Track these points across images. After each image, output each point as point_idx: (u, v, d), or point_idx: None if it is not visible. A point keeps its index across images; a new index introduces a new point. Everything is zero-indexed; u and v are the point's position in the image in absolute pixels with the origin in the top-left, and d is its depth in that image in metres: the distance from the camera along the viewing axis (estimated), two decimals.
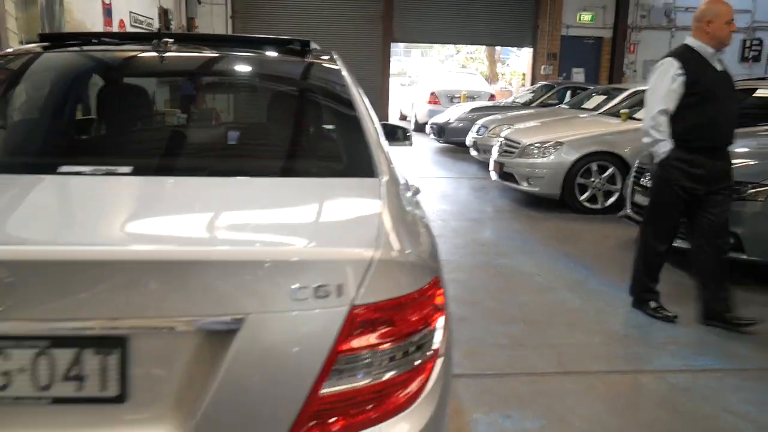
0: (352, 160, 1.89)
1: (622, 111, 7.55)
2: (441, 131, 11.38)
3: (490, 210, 7.17)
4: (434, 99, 14.13)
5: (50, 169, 1.68)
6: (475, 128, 9.53)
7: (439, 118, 11.65)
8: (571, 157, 6.72)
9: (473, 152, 9.43)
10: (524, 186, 7.01)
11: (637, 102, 7.64)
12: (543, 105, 11.32)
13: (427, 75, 16.45)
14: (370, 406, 1.33)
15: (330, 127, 2.11)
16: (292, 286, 1.24)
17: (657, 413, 2.87)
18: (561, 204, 6.86)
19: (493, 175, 7.60)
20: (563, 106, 10.32)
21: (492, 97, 14.84)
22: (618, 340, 3.69)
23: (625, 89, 8.89)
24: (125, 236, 1.37)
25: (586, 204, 6.78)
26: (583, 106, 9.29)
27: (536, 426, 2.75)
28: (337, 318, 1.26)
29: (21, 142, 1.99)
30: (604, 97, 9.06)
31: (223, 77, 2.46)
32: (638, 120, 7.03)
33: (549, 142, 6.89)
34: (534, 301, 4.24)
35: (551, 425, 2.75)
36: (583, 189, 6.78)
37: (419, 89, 15.35)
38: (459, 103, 13.35)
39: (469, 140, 9.63)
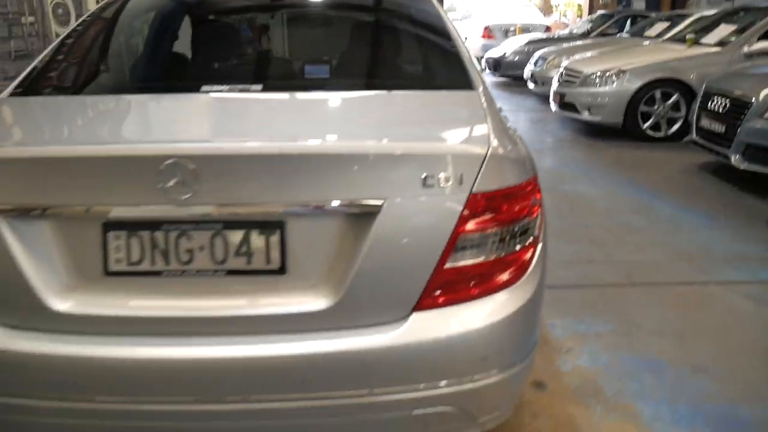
0: (452, 75, 2.10)
1: (687, 36, 7.40)
2: (496, 65, 11.32)
3: (550, 140, 7.24)
4: (488, 33, 13.95)
5: (195, 89, 1.94)
6: (532, 60, 9.46)
7: (494, 53, 11.56)
8: (634, 84, 6.68)
9: (531, 85, 9.40)
10: (585, 115, 7.03)
11: (702, 27, 7.47)
12: (602, 35, 11.08)
13: (480, 9, 16.17)
14: (485, 280, 1.57)
15: (431, 47, 2.32)
16: (423, 176, 1.47)
17: (723, 318, 3.05)
18: (623, 133, 6.88)
19: (553, 106, 7.62)
20: (624, 35, 10.10)
21: (548, 29, 14.53)
22: (684, 257, 3.83)
23: (690, 15, 8.64)
24: (283, 135, 1.61)
25: (649, 132, 6.78)
26: (645, 34, 9.09)
27: (607, 329, 2.97)
28: (459, 203, 1.49)
29: (168, 69, 2.26)
30: (668, 24, 8.84)
31: (332, 8, 2.66)
32: (705, 45, 6.91)
33: (611, 70, 6.86)
34: (599, 223, 4.40)
35: (621, 328, 2.97)
36: (646, 117, 6.77)
37: (472, 24, 15.13)
38: (514, 36, 13.15)
39: (526, 73, 9.59)
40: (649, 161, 6.08)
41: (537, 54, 9.45)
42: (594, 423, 2.33)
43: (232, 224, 1.49)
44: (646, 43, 8.31)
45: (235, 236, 1.50)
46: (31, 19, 5.32)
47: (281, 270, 1.51)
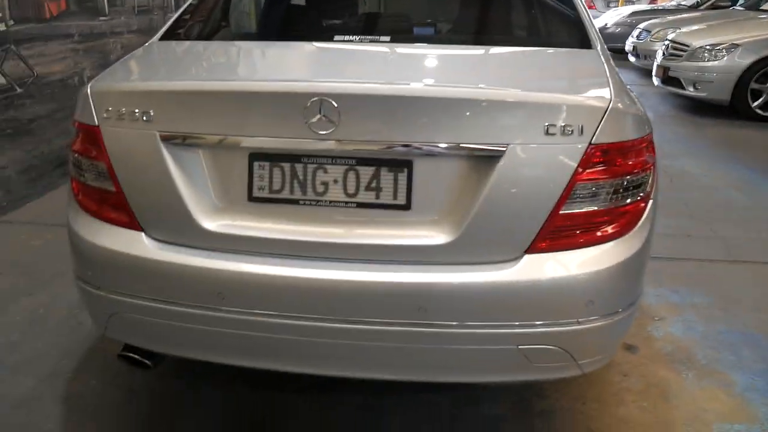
0: (572, 34, 2.16)
1: None
2: None
3: (651, 115, 6.92)
4: (589, 3, 13.48)
5: (329, 39, 2.09)
6: (635, 33, 9.13)
7: (595, 23, 11.19)
8: (746, 60, 6.36)
9: (632, 58, 9.09)
10: (690, 91, 6.77)
11: None
12: (713, 8, 10.50)
13: None
14: (596, 229, 1.64)
15: (551, 6, 2.38)
16: (545, 124, 1.55)
17: None
18: (729, 110, 6.58)
19: (656, 81, 7.36)
20: (737, 7, 9.53)
21: (653, 0, 13.88)
22: None
23: None
24: (417, 80, 1.72)
25: (759, 111, 6.45)
26: (761, 8, 8.56)
27: (703, 301, 2.95)
28: (578, 152, 1.57)
29: (300, 21, 2.43)
30: None
31: None
32: None
33: (722, 44, 6.54)
34: (701, 199, 4.30)
35: (718, 302, 2.95)
36: (756, 95, 6.44)
37: None
38: (616, 7, 12.66)
39: (628, 45, 9.26)
40: (757, 140, 5.82)
41: (641, 26, 9.10)
42: (685, 387, 2.36)
43: (364, 161, 1.63)
44: (763, 17, 7.83)
45: (367, 172, 1.63)
46: None
47: (406, 206, 1.64)
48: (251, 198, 1.69)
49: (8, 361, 2.48)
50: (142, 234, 1.75)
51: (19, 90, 4.01)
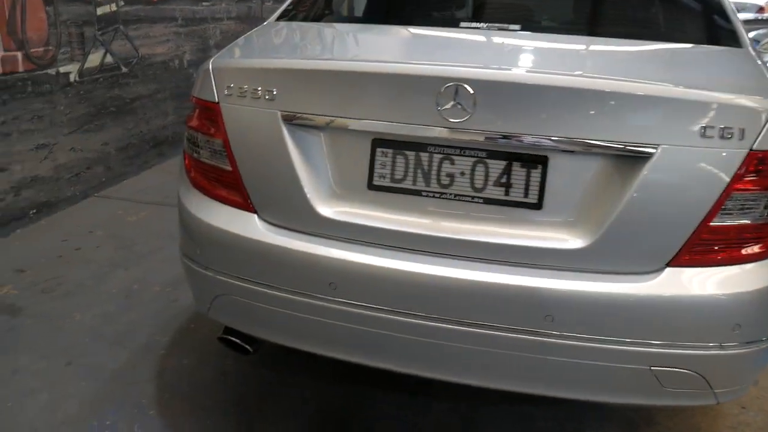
0: (723, 32, 1.98)
1: None
2: None
3: None
4: None
5: (455, 24, 1.99)
6: None
7: None
8: None
9: None
10: None
11: None
12: None
13: None
14: (749, 244, 1.48)
15: (699, 4, 2.19)
16: (702, 125, 1.40)
17: None
18: None
19: None
20: None
21: (761, 10, 13.10)
22: None
23: None
24: (558, 69, 1.59)
25: None
26: None
27: None
28: (737, 158, 1.40)
29: (423, 5, 2.34)
30: None
31: None
32: None
33: None
34: None
35: None
36: None
37: None
38: None
39: None
40: None
41: (750, 35, 8.57)
42: None
43: (496, 154, 1.52)
44: None
45: (497, 166, 1.52)
46: None
47: (537, 205, 1.52)
48: (371, 186, 1.61)
49: (105, 332, 2.51)
50: (255, 216, 1.70)
51: (124, 69, 4.11)
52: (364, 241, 1.60)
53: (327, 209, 1.62)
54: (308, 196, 1.61)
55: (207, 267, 1.76)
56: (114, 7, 3.95)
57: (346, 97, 1.57)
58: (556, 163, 1.49)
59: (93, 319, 2.61)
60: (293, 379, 2.28)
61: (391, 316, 1.57)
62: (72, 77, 3.65)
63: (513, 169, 1.52)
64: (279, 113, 1.61)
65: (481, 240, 1.53)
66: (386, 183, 1.60)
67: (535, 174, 1.51)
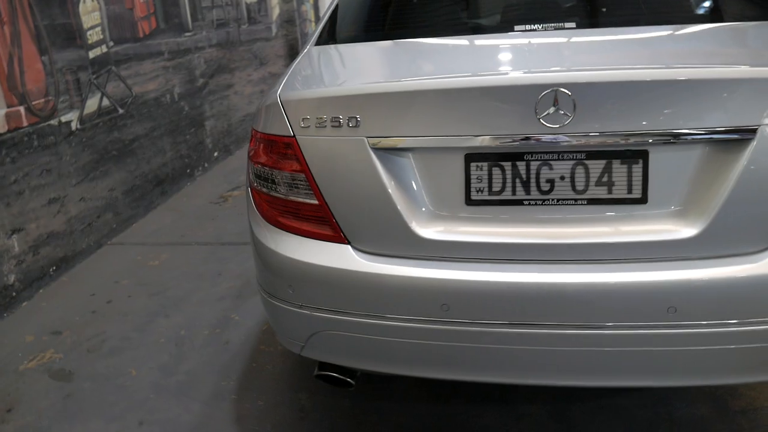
0: None
1: None
2: None
3: None
4: None
5: (509, 29, 1.97)
6: None
7: None
8: None
9: None
10: None
11: None
12: None
13: None
14: None
15: None
16: None
17: None
18: None
19: None
20: None
21: None
22: None
23: None
24: (649, 62, 1.58)
25: None
26: None
27: None
28: None
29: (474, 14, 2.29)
30: None
31: None
32: None
33: None
34: None
35: None
36: None
37: None
38: None
39: None
40: None
41: None
42: None
43: (594, 154, 1.50)
44: None
45: (597, 166, 1.51)
46: None
47: (642, 199, 1.51)
48: (469, 201, 1.58)
49: (167, 385, 2.43)
50: (348, 246, 1.65)
51: (121, 111, 4.00)
52: (470, 257, 1.57)
53: (426, 230, 1.59)
54: (405, 219, 1.58)
55: (302, 306, 1.71)
56: (105, 48, 3.84)
57: (435, 115, 1.54)
58: (656, 155, 1.48)
59: (150, 372, 2.52)
60: (377, 402, 2.23)
61: (511, 330, 1.54)
62: (74, 125, 3.54)
63: (613, 167, 1.50)
64: (366, 140, 1.57)
65: (592, 242, 1.51)
66: (485, 196, 1.57)
67: (637, 169, 1.49)
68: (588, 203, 1.53)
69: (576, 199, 1.54)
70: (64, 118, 3.46)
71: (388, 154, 1.58)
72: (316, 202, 1.65)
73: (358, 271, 1.62)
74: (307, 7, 7.57)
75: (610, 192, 1.52)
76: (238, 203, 4.46)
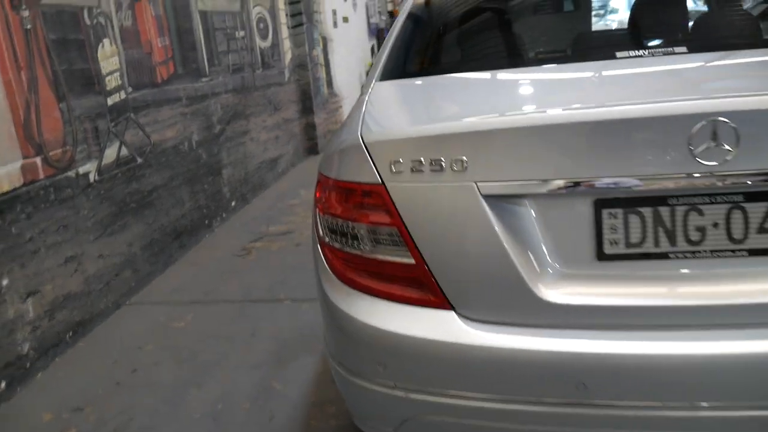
0: None
1: None
2: None
3: None
4: None
5: (611, 56, 1.74)
6: None
7: None
8: None
9: None
10: None
11: None
12: None
13: None
14: None
15: None
16: None
17: None
18: None
19: None
20: None
21: None
22: None
23: None
24: None
25: None
26: None
27: None
28: None
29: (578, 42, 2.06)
30: None
31: None
32: None
33: None
34: None
35: None
36: None
37: None
38: None
39: None
40: None
41: None
42: None
43: (755, 195, 1.25)
44: None
45: (758, 209, 1.25)
46: (242, 33, 5.46)
47: None
48: (601, 256, 1.31)
49: None
50: (453, 313, 1.38)
51: (139, 160, 3.76)
52: (609, 324, 1.30)
53: (551, 292, 1.32)
54: (525, 279, 1.31)
55: (396, 385, 1.42)
56: (123, 95, 3.62)
57: (558, 154, 1.29)
58: None
59: None
60: None
61: (671, 413, 1.26)
62: (92, 177, 3.28)
63: None
64: (475, 185, 1.31)
65: (761, 302, 1.25)
66: (621, 250, 1.31)
67: None
68: (750, 254, 1.27)
69: (734, 250, 1.27)
70: (82, 170, 3.20)
71: (502, 201, 1.32)
72: (412, 261, 1.39)
73: (469, 345, 1.34)
74: (318, 52, 7.44)
75: None
76: (262, 256, 4.18)
